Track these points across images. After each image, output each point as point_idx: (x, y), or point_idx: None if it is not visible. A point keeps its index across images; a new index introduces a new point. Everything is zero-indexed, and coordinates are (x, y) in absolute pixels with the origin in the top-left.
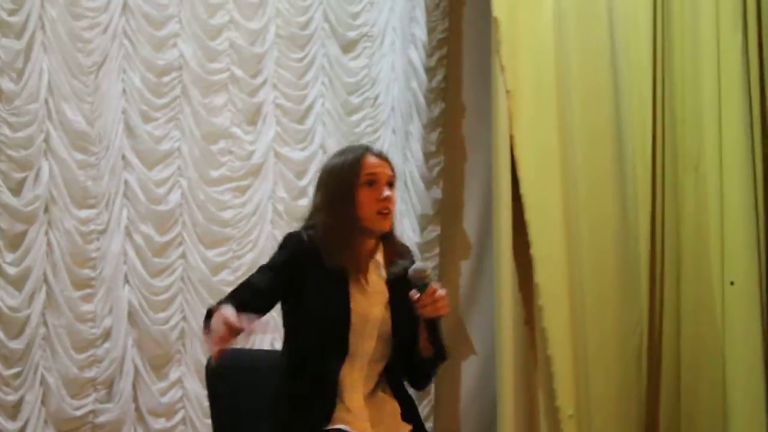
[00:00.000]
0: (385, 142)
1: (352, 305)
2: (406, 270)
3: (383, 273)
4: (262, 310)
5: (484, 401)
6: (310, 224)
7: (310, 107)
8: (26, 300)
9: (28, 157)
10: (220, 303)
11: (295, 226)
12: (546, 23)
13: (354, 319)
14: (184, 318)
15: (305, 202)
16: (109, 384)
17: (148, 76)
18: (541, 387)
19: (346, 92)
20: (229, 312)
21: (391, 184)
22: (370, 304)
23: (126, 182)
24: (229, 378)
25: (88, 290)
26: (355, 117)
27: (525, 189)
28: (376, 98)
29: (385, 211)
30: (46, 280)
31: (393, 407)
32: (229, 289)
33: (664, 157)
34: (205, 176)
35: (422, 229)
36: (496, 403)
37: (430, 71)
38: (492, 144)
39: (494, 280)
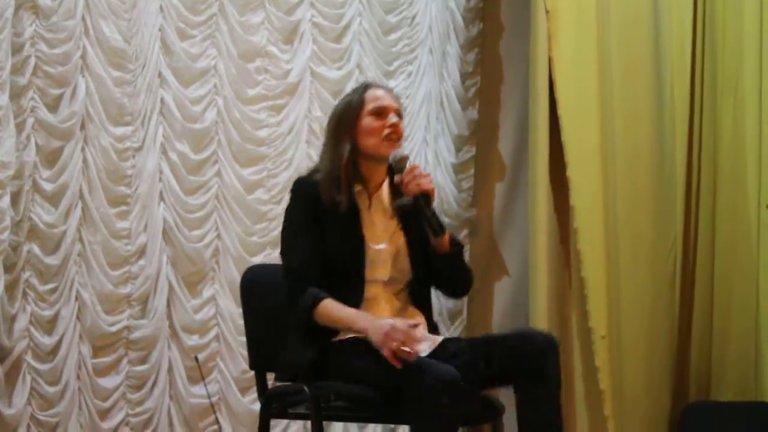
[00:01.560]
0: (422, 62)
1: (366, 238)
2: (410, 203)
3: (389, 201)
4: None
5: (517, 322)
6: (317, 168)
7: (347, 26)
8: (62, 216)
9: (65, 73)
10: (303, 292)
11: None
12: None
13: (369, 251)
14: (218, 236)
15: None
16: (144, 300)
17: None
18: (574, 308)
19: (384, 11)
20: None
21: (399, 115)
22: (383, 231)
23: (162, 100)
24: (263, 294)
25: (124, 207)
26: (392, 36)
27: (562, 110)
28: (413, 17)
29: (394, 137)
30: (81, 197)
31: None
32: (265, 208)
33: (703, 80)
34: (241, 95)
35: (458, 149)
36: (529, 324)
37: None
38: (530, 65)
39: (529, 201)
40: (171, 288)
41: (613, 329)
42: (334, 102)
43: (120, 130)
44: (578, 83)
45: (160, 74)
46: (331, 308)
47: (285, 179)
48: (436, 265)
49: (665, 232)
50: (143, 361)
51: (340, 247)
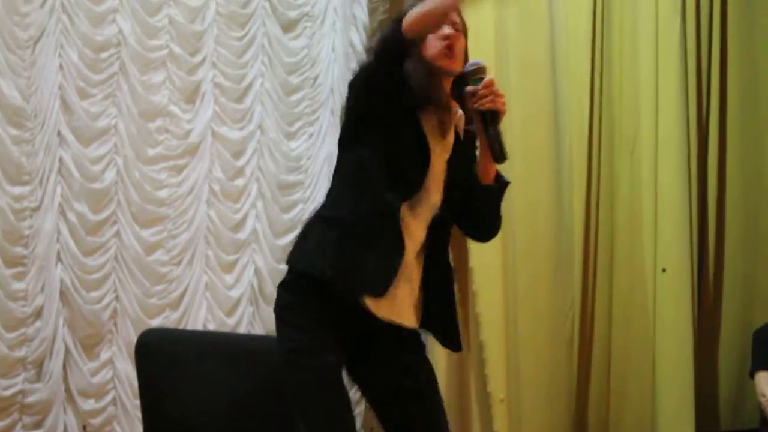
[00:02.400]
0: (324, 123)
1: (432, 152)
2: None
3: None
4: None
5: None
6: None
7: (249, 86)
8: None
9: None
10: None
11: (230, 206)
12: (486, 11)
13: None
14: (116, 298)
15: (241, 182)
16: (39, 364)
17: (85, 52)
18: (473, 371)
19: (286, 72)
20: None
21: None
22: (443, 151)
23: (61, 159)
24: (159, 358)
25: (20, 268)
26: (294, 97)
27: None
28: (315, 78)
29: (448, 49)
30: None
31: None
32: (164, 269)
33: (601, 141)
34: (142, 154)
35: None
36: None
37: (370, 53)
38: None
39: None
40: (67, 350)
41: (512, 393)
42: (235, 163)
43: (17, 190)
44: None
45: (59, 133)
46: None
47: (185, 240)
48: (476, 197)
49: (563, 294)
50: (38, 425)
51: (406, 154)
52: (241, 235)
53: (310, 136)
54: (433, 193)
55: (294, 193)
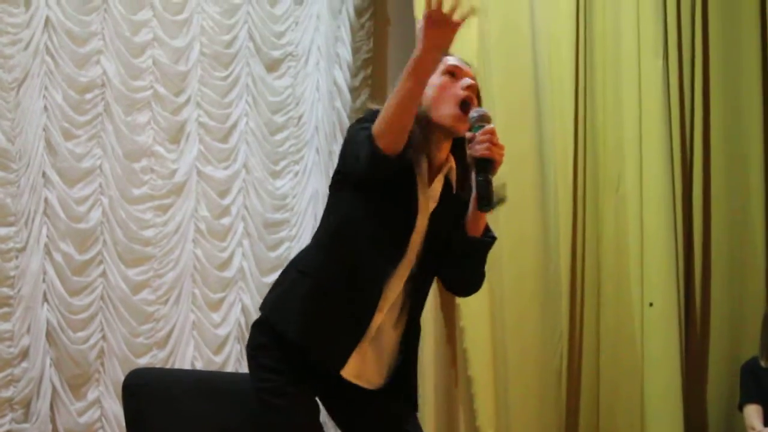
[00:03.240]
0: (309, 161)
1: (419, 211)
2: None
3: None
4: None
5: None
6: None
7: (233, 126)
8: None
9: None
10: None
11: (217, 245)
12: (470, 42)
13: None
14: (103, 337)
15: (227, 221)
16: (27, 404)
17: (70, 93)
18: (462, 407)
19: (270, 111)
20: None
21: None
22: (428, 203)
23: (46, 200)
24: (146, 397)
25: (6, 309)
26: (279, 136)
27: None
28: (300, 118)
29: (467, 103)
30: None
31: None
32: (151, 309)
33: (585, 178)
34: (127, 194)
35: None
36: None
37: (354, 91)
38: None
39: None
40: (55, 391)
41: (501, 427)
42: (221, 201)
43: (3, 231)
44: None
45: (44, 174)
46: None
47: (172, 279)
48: (459, 249)
49: (551, 327)
50: None
51: (394, 208)
52: (228, 274)
53: (296, 174)
54: (412, 250)
55: (280, 231)
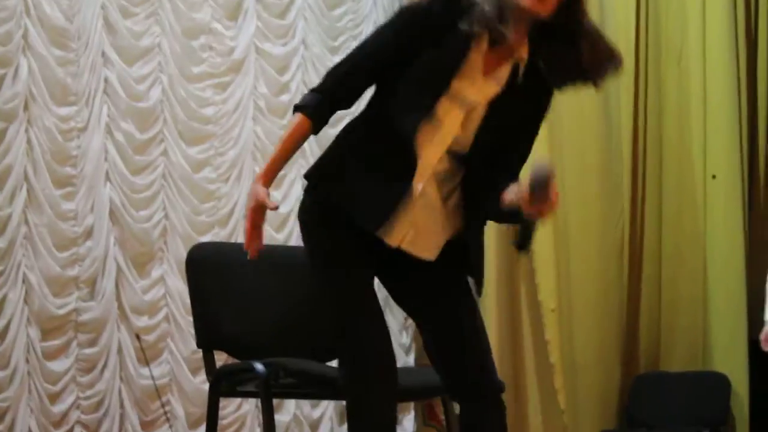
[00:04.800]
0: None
1: (455, 81)
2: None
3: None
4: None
5: None
6: None
7: (291, 2)
8: (7, 198)
9: (7, 53)
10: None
11: (276, 122)
12: None
13: (449, 92)
14: (165, 216)
15: (286, 98)
16: (92, 282)
17: None
18: (523, 282)
19: None
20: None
21: None
22: (477, 91)
23: (106, 79)
24: (209, 272)
25: (70, 188)
26: (337, 11)
27: None
28: None
29: None
30: (26, 179)
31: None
32: (212, 186)
33: (647, 50)
34: (186, 72)
35: None
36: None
37: None
38: None
39: None
40: (119, 269)
41: (563, 302)
42: (279, 78)
43: (64, 111)
44: None
45: (103, 53)
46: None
47: (232, 157)
48: (492, 214)
49: (613, 204)
50: (93, 343)
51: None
52: None
53: None
54: (449, 116)
55: None
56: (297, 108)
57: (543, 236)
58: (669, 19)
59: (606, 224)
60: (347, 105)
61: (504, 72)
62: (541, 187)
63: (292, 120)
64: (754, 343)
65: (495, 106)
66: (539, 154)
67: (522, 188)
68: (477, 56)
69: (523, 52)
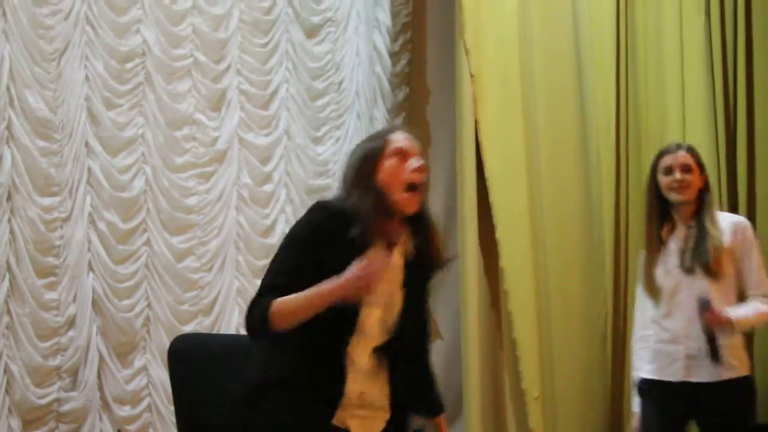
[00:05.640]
0: (350, 127)
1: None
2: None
3: (401, 253)
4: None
5: (451, 385)
6: (341, 197)
7: (274, 93)
8: None
9: None
10: (261, 299)
11: (259, 212)
12: (510, 3)
13: (367, 298)
14: (148, 305)
15: (270, 188)
16: (74, 372)
17: (111, 63)
18: (507, 370)
19: (311, 77)
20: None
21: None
22: (386, 280)
23: (89, 169)
24: (191, 363)
25: (52, 278)
26: (320, 102)
27: (490, 173)
28: (340, 83)
29: (416, 183)
30: (9, 269)
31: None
32: (195, 276)
33: (628, 143)
34: (170, 163)
35: None
36: (462, 386)
37: (394, 56)
38: (456, 128)
39: (459, 264)
40: (101, 359)
41: (546, 390)
42: (263, 168)
43: (47, 201)
44: (505, 146)
45: (86, 143)
46: (287, 299)
47: (215, 246)
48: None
49: (595, 291)
50: None
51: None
52: (271, 240)
53: (337, 140)
54: (369, 323)
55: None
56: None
57: (525, 324)
58: (649, 106)
59: (589, 313)
60: None
61: (397, 259)
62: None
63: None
64: None
65: (406, 289)
66: (521, 240)
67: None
68: (374, 255)
69: (405, 241)
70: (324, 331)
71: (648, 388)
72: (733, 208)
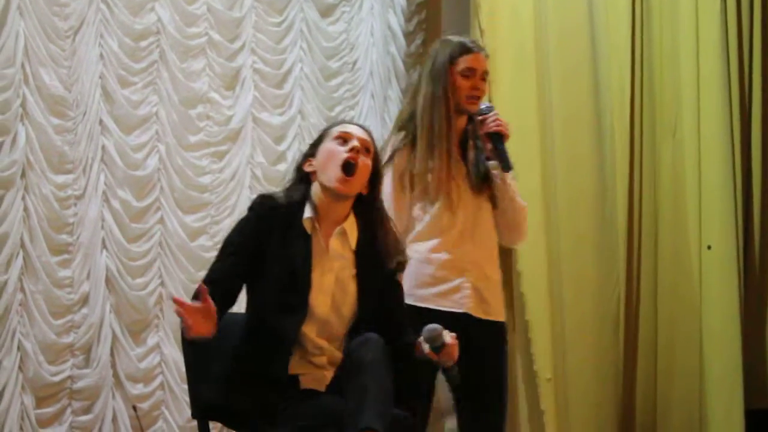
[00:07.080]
0: (364, 106)
1: (314, 265)
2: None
3: (351, 242)
4: (235, 290)
5: None
6: (287, 185)
7: (288, 72)
8: (3, 266)
9: (5, 122)
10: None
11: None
12: None
13: (315, 280)
14: (162, 283)
15: (283, 167)
16: (87, 350)
17: (125, 41)
18: (519, 352)
19: (325, 57)
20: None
21: (367, 149)
22: (330, 268)
23: (103, 147)
24: (206, 342)
25: (66, 256)
26: (334, 82)
27: None
28: (354, 63)
29: (351, 162)
30: (23, 246)
31: None
32: (208, 255)
33: (642, 123)
34: (183, 141)
35: None
36: None
37: (408, 36)
38: None
39: None
40: (114, 336)
41: (558, 372)
42: (276, 148)
43: (61, 178)
44: (518, 126)
45: (101, 122)
46: None
47: (228, 226)
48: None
49: (608, 273)
50: (87, 411)
51: (285, 268)
52: None
53: (351, 120)
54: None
55: None
56: None
57: (538, 306)
58: (664, 91)
59: (601, 295)
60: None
61: (335, 244)
62: (435, 342)
63: None
64: (749, 415)
65: (359, 278)
66: (534, 222)
67: (426, 352)
68: (317, 240)
69: (349, 223)
70: (276, 312)
71: None
72: (747, 191)
